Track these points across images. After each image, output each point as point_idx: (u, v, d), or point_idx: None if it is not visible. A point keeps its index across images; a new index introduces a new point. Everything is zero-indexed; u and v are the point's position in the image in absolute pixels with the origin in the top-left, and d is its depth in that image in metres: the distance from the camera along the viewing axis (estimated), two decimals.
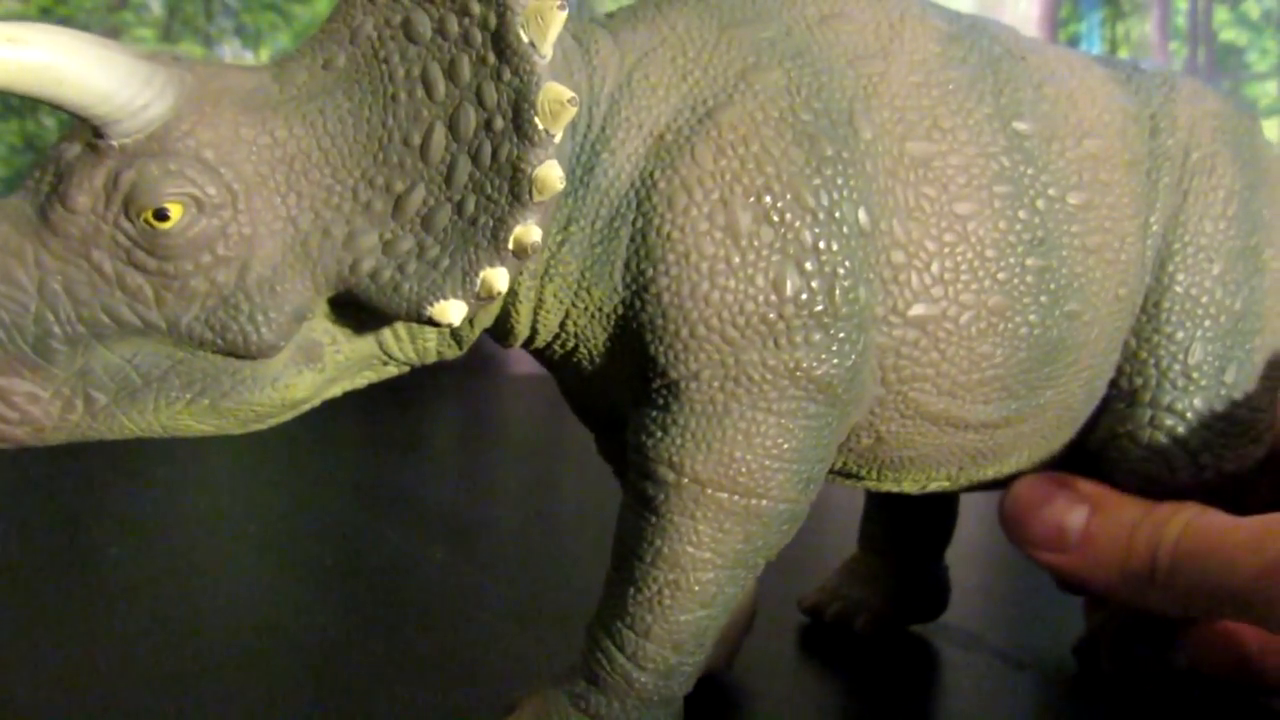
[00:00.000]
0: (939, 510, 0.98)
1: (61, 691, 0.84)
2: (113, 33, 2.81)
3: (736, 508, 0.68)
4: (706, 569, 0.69)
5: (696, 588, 0.69)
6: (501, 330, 0.70)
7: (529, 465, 1.74)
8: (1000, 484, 0.83)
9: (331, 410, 0.70)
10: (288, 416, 0.66)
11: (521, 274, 0.67)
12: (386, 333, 0.66)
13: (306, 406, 0.67)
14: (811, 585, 1.03)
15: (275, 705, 0.83)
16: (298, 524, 1.34)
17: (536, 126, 0.59)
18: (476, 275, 0.61)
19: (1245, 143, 0.82)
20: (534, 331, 0.70)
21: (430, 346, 0.69)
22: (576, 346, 0.71)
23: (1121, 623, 0.91)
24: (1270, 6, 2.36)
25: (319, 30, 0.64)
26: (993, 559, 1.22)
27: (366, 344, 0.66)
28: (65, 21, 2.84)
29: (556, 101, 0.59)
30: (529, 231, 0.60)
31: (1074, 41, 2.51)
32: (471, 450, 1.85)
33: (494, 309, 0.68)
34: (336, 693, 0.84)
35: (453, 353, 0.70)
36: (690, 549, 0.68)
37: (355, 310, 0.63)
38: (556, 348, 0.71)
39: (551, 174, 0.60)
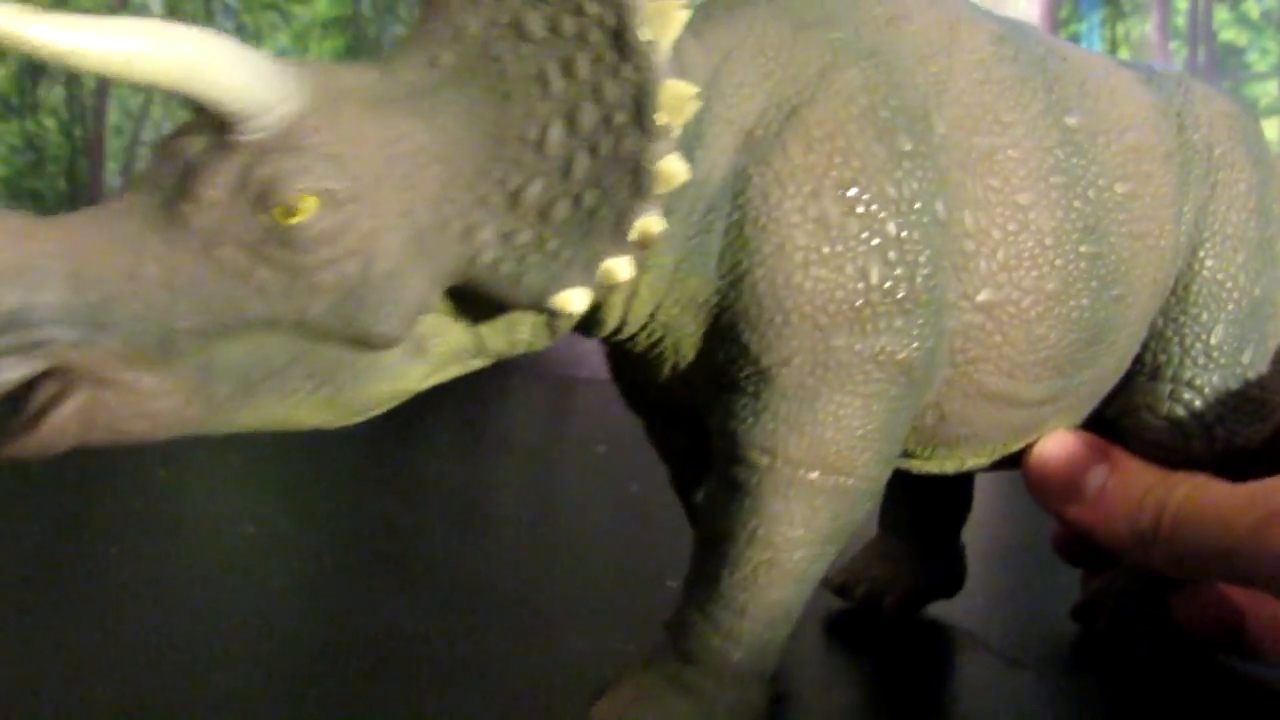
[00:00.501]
0: (956, 492, 1.02)
1: (62, 691, 0.83)
2: None
3: (826, 487, 0.70)
4: (799, 547, 0.71)
5: (789, 566, 0.71)
6: (590, 320, 0.71)
7: (531, 465, 1.74)
8: (1004, 465, 0.87)
9: None
10: (389, 407, 0.68)
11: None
12: (484, 326, 0.67)
13: (407, 397, 0.68)
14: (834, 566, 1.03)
15: (276, 705, 0.83)
16: (297, 524, 1.34)
17: (659, 121, 0.60)
18: (599, 265, 0.62)
19: (1254, 140, 0.87)
20: (623, 322, 0.72)
21: (522, 338, 0.69)
22: (663, 337, 0.72)
23: (1118, 587, 0.97)
24: (1270, 6, 2.35)
25: (415, 29, 0.64)
26: (991, 559, 1.22)
27: (466, 336, 0.67)
28: None
29: (679, 97, 0.61)
30: (652, 222, 0.62)
31: (1074, 41, 2.51)
32: (473, 449, 1.85)
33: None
34: (337, 692, 0.84)
35: (543, 343, 0.71)
36: (784, 529, 0.71)
37: (457, 303, 0.65)
38: (641, 338, 0.73)
39: (675, 166, 0.61)
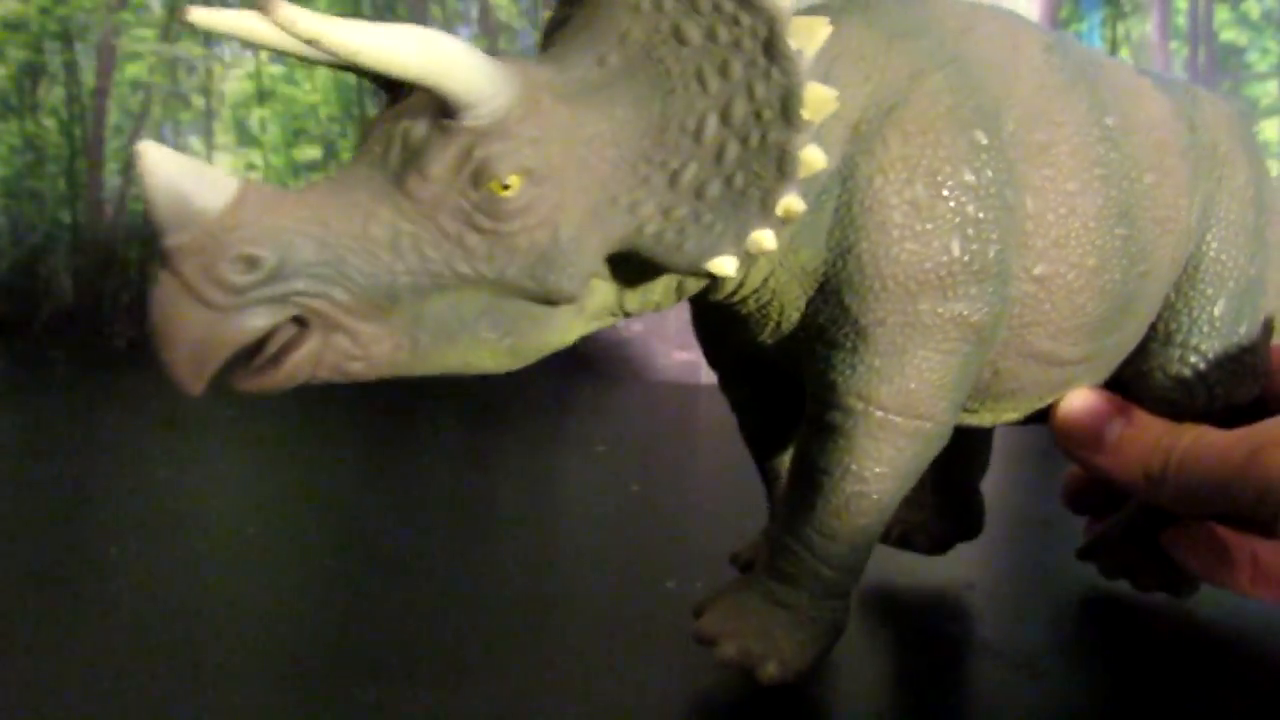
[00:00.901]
0: (976, 445, 1.16)
1: (62, 691, 0.83)
2: (113, 32, 2.81)
3: (909, 429, 0.82)
4: (884, 481, 0.83)
5: (876, 497, 0.83)
6: (710, 285, 0.82)
7: (531, 465, 1.74)
8: (1032, 420, 0.99)
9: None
10: (550, 353, 0.77)
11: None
12: (625, 287, 0.78)
13: (567, 345, 0.78)
14: None
15: (277, 705, 0.83)
16: (298, 524, 1.34)
17: (803, 117, 0.71)
18: (748, 236, 0.73)
19: (1249, 140, 1.01)
20: (738, 286, 0.82)
21: (654, 299, 0.80)
22: (771, 300, 0.83)
23: (1117, 530, 1.10)
24: (1271, 6, 2.35)
25: (577, 32, 0.76)
26: (992, 560, 1.22)
27: (611, 296, 0.77)
28: (65, 20, 2.84)
29: (821, 99, 0.71)
30: (795, 201, 0.73)
31: None
32: (473, 449, 1.85)
33: None
34: (337, 693, 0.84)
35: (668, 305, 0.81)
36: (873, 465, 0.82)
37: (609, 266, 0.75)
38: (751, 301, 0.84)
39: (816, 155, 0.72)
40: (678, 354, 2.61)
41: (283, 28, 0.61)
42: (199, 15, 0.66)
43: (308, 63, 0.69)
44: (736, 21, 0.72)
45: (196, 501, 1.43)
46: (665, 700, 0.86)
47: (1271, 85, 2.36)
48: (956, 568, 1.19)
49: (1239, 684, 0.94)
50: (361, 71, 0.67)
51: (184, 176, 0.63)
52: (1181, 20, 2.41)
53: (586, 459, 1.79)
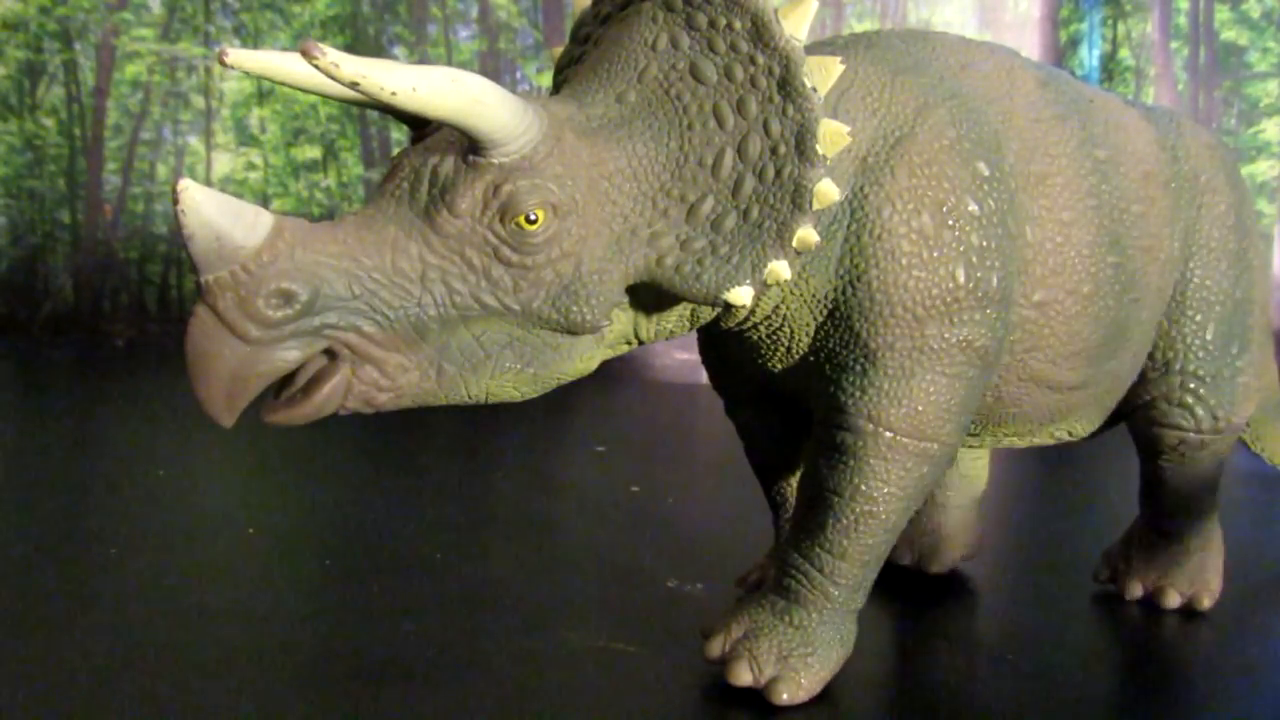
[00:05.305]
0: (975, 465, 1.20)
1: (61, 692, 0.83)
2: (113, 32, 2.81)
3: (917, 450, 0.84)
4: (892, 501, 0.84)
5: (884, 516, 0.85)
6: (723, 313, 0.84)
7: (531, 464, 1.74)
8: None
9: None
10: (569, 381, 0.79)
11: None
12: (641, 316, 0.80)
13: (585, 374, 0.80)
14: None
15: (276, 706, 0.83)
16: (298, 524, 1.34)
17: (818, 152, 0.74)
18: (765, 267, 0.75)
19: (1231, 168, 1.06)
20: (750, 313, 0.84)
21: (668, 328, 0.82)
22: (781, 326, 0.86)
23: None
24: (1271, 6, 2.35)
25: (594, 69, 0.78)
26: (992, 560, 1.22)
27: (628, 325, 0.80)
28: (65, 20, 2.84)
29: (835, 134, 0.74)
30: (810, 233, 0.75)
31: (1075, 41, 2.50)
32: (473, 449, 1.85)
33: None
34: (337, 694, 0.84)
35: (681, 333, 0.84)
36: (881, 485, 0.84)
37: (627, 296, 0.77)
38: (762, 327, 0.86)
39: (829, 188, 0.75)
40: (678, 354, 2.61)
41: (325, 73, 0.62)
42: (236, 57, 0.68)
43: (332, 99, 0.72)
44: (753, 61, 0.74)
45: (196, 501, 1.43)
46: (665, 699, 0.86)
47: (1271, 85, 2.36)
48: (956, 568, 1.18)
49: (1241, 684, 0.94)
50: (389, 109, 0.68)
51: (221, 214, 0.65)
52: (1182, 20, 2.41)
53: (586, 459, 1.79)
